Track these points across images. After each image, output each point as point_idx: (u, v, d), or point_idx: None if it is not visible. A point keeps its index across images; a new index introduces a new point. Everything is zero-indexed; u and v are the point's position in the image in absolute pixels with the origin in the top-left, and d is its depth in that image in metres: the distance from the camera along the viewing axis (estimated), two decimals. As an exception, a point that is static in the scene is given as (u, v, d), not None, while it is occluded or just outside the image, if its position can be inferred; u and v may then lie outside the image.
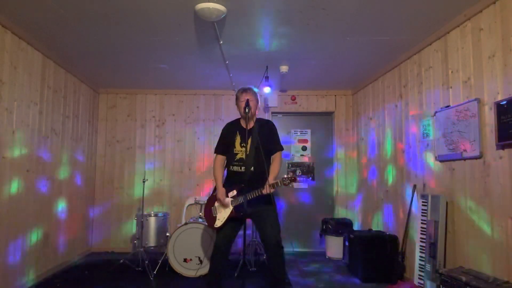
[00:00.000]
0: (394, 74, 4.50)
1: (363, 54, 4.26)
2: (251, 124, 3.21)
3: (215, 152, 3.40)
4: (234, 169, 3.23)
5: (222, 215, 3.18)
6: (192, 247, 4.27)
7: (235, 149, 3.25)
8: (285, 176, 2.96)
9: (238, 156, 3.23)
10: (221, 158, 3.36)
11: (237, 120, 3.39)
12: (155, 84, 5.60)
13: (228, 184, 3.26)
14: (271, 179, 3.05)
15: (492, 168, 2.83)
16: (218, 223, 3.17)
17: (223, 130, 3.42)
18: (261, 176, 3.08)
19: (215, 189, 3.32)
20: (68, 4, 3.10)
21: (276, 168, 3.21)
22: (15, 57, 3.55)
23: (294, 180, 2.97)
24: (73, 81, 4.89)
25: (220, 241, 3.19)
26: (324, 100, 5.98)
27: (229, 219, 3.15)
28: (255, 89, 3.30)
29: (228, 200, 3.18)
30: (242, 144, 3.22)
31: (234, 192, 3.17)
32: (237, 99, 3.27)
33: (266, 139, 3.20)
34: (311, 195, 5.92)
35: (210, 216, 3.28)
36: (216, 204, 3.26)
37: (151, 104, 5.90)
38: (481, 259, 2.93)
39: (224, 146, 3.34)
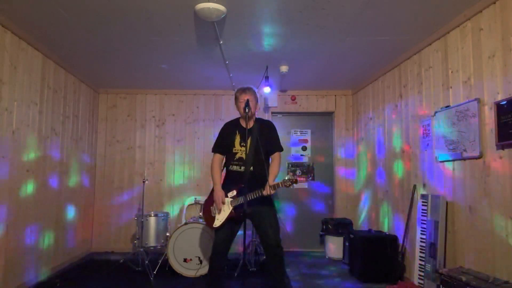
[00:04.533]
0: (394, 74, 4.50)
1: (363, 54, 4.26)
2: (250, 124, 3.20)
3: (213, 151, 3.37)
4: (234, 169, 3.22)
5: (221, 215, 3.16)
6: (192, 247, 4.27)
7: (234, 148, 3.24)
8: (286, 177, 2.96)
9: (238, 156, 3.22)
10: (219, 158, 3.35)
11: (237, 120, 3.38)
12: (155, 84, 5.60)
13: (228, 183, 3.24)
14: (271, 180, 3.04)
15: (492, 168, 2.83)
16: (217, 223, 3.16)
17: (222, 129, 3.41)
18: (260, 176, 3.07)
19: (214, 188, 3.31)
20: (68, 4, 3.10)
21: (276, 169, 3.20)
22: (15, 57, 3.55)
23: (295, 182, 2.95)
24: (73, 81, 4.89)
25: (219, 241, 3.17)
26: (324, 100, 5.98)
27: (228, 219, 3.14)
28: (254, 89, 3.29)
29: (227, 201, 3.17)
30: (242, 144, 3.21)
31: (234, 192, 3.16)
32: (236, 99, 3.26)
33: (265, 139, 3.19)
34: (311, 195, 5.92)
35: (209, 216, 3.27)
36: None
37: (151, 104, 5.90)
38: (481, 259, 2.93)
39: (223, 146, 3.32)
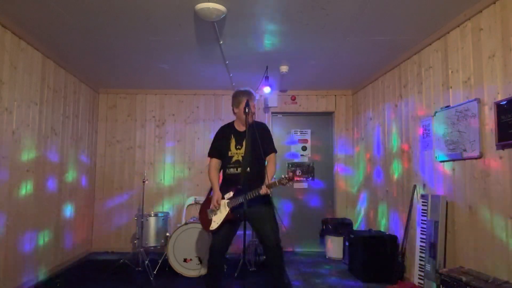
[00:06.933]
0: (394, 74, 4.50)
1: (363, 54, 4.26)
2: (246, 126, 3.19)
3: (209, 156, 3.37)
4: (231, 171, 3.22)
5: (218, 217, 3.15)
6: (192, 247, 4.27)
7: (230, 152, 3.24)
8: (283, 175, 2.95)
9: (234, 159, 3.21)
10: (216, 162, 3.34)
11: (231, 124, 3.39)
12: (155, 84, 5.60)
13: (225, 186, 3.23)
14: (268, 179, 3.04)
15: (492, 168, 2.83)
16: (214, 226, 3.14)
17: (217, 133, 3.41)
18: (257, 177, 3.07)
19: (210, 192, 3.30)
20: (68, 4, 3.10)
21: (272, 169, 3.21)
22: (15, 57, 3.54)
23: (292, 179, 2.95)
24: (73, 81, 4.88)
25: (216, 244, 3.15)
26: (324, 100, 5.98)
27: (226, 221, 3.12)
28: (252, 91, 3.29)
29: (224, 202, 3.16)
30: (238, 147, 3.22)
31: (231, 194, 3.14)
32: (234, 100, 3.27)
33: (260, 141, 3.17)
34: (311, 195, 5.91)
35: (205, 219, 3.25)
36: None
37: (151, 104, 5.90)
38: (481, 259, 2.93)
39: (218, 150, 3.32)
